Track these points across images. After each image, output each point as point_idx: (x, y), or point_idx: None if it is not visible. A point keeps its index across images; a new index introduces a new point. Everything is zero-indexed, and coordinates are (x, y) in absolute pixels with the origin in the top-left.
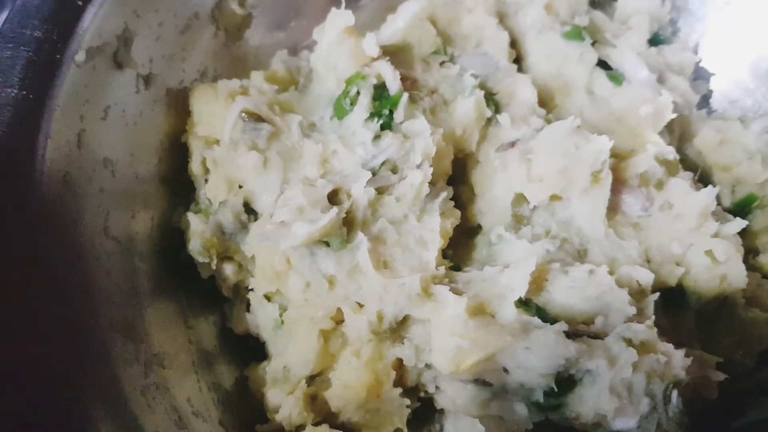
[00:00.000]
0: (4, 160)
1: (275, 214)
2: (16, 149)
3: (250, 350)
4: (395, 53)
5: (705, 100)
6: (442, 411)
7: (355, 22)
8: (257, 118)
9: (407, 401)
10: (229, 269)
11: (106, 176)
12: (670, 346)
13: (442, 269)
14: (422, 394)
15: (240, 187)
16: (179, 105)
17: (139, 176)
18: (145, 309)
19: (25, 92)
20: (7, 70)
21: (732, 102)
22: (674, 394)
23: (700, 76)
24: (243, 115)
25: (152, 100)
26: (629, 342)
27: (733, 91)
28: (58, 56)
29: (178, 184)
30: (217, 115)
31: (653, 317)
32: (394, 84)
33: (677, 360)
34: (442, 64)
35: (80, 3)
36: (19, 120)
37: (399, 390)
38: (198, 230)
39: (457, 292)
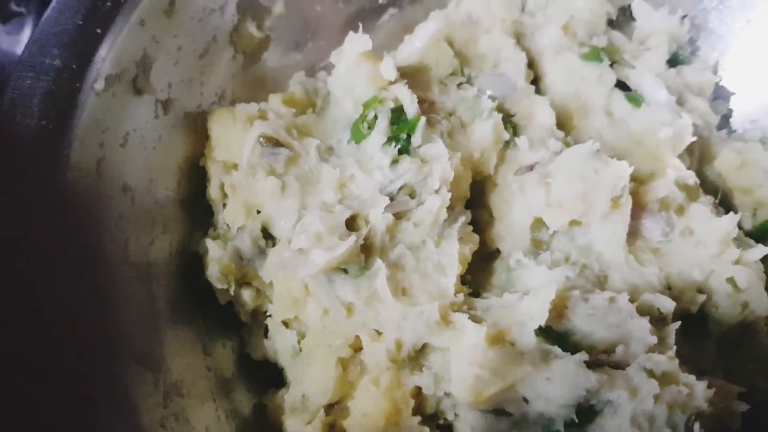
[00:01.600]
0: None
1: (293, 241)
2: (37, 180)
3: (269, 376)
4: (412, 74)
5: (725, 120)
6: None
7: (372, 42)
8: (275, 143)
9: (426, 429)
10: (247, 295)
11: (125, 202)
12: (692, 377)
13: (461, 296)
14: (441, 422)
15: (258, 212)
16: (197, 129)
17: (158, 201)
18: (163, 336)
19: (44, 122)
20: (26, 100)
21: (753, 122)
22: (696, 426)
23: (720, 95)
24: (261, 139)
25: (171, 125)
26: (651, 373)
27: (753, 111)
28: (78, 85)
29: (197, 209)
30: (235, 139)
31: (675, 347)
32: (411, 108)
33: (699, 391)
34: (459, 85)
35: (99, 31)
36: (39, 151)
37: (418, 418)
38: (216, 256)
39: (476, 319)
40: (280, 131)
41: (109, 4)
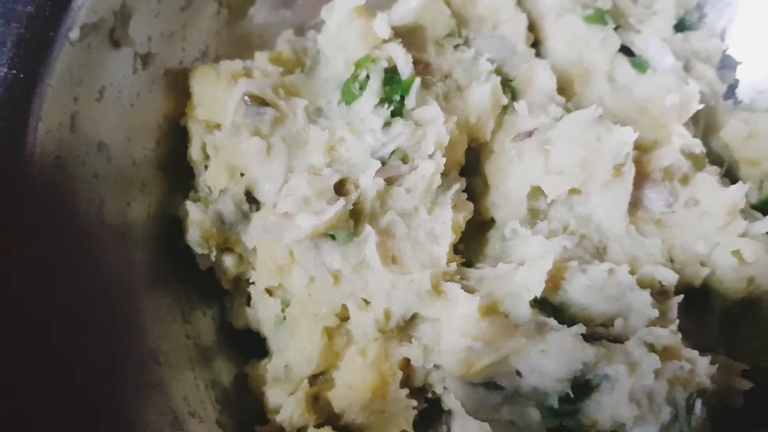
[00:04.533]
0: None
1: (278, 205)
2: (6, 131)
3: (251, 346)
4: (407, 35)
5: (731, 91)
6: (449, 412)
7: (365, 1)
8: (261, 102)
9: (414, 402)
10: (229, 261)
11: (100, 161)
12: (695, 352)
13: (454, 265)
14: (429, 395)
15: (242, 174)
16: (179, 86)
17: (135, 161)
18: (140, 302)
19: (15, 71)
20: None
21: (760, 93)
22: (698, 403)
23: (726, 65)
24: (246, 98)
25: (150, 81)
26: (651, 347)
27: (761, 81)
28: (51, 33)
29: (177, 170)
30: (218, 98)
31: (677, 321)
32: (406, 68)
33: (702, 367)
34: (456, 47)
35: None
36: (9, 101)
37: (405, 391)
38: (197, 220)
39: (469, 290)
40: (266, 90)
41: None
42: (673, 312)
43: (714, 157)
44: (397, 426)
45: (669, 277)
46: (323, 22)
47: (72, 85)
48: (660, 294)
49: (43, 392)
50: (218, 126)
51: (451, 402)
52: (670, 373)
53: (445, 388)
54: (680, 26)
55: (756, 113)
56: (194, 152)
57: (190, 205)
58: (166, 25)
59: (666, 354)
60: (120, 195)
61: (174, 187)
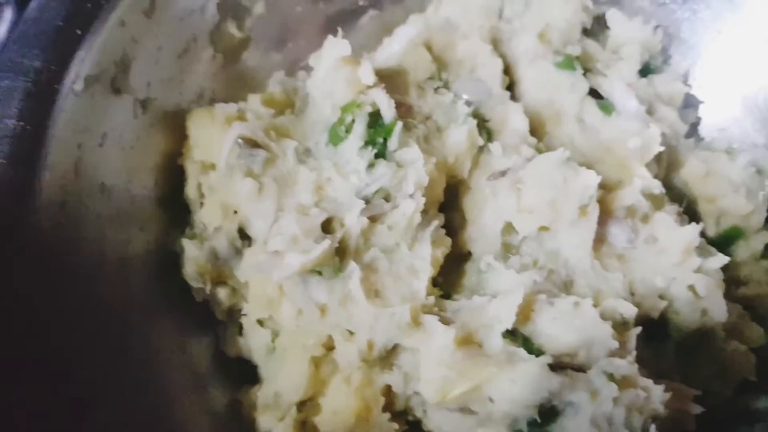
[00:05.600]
0: (3, 193)
1: (269, 243)
2: (16, 182)
3: (243, 373)
4: (390, 77)
5: (694, 128)
6: None
7: (351, 42)
8: (253, 144)
9: (396, 426)
10: (222, 293)
11: (102, 201)
12: (650, 381)
13: (432, 298)
14: (410, 418)
15: (235, 212)
16: (176, 128)
17: (135, 200)
18: (138, 332)
19: (23, 123)
20: (5, 101)
21: (720, 130)
22: (653, 427)
23: (690, 104)
24: (239, 140)
25: (149, 124)
26: (611, 377)
27: (721, 120)
28: (56, 86)
29: (174, 208)
30: (213, 139)
31: (635, 352)
32: (388, 112)
33: (656, 395)
34: (436, 89)
35: (79, 32)
36: (18, 152)
37: (387, 415)
38: (192, 255)
39: (445, 321)
40: (259, 133)
41: (89, 5)
42: (632, 343)
43: (676, 193)
44: None
45: (629, 310)
46: (311, 66)
47: (76, 132)
48: (620, 325)
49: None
50: (213, 166)
51: (430, 425)
52: (627, 400)
53: (424, 411)
54: (646, 70)
55: (714, 152)
56: (190, 191)
57: (186, 242)
58: (164, 71)
59: (624, 383)
60: (121, 232)
61: (171, 223)
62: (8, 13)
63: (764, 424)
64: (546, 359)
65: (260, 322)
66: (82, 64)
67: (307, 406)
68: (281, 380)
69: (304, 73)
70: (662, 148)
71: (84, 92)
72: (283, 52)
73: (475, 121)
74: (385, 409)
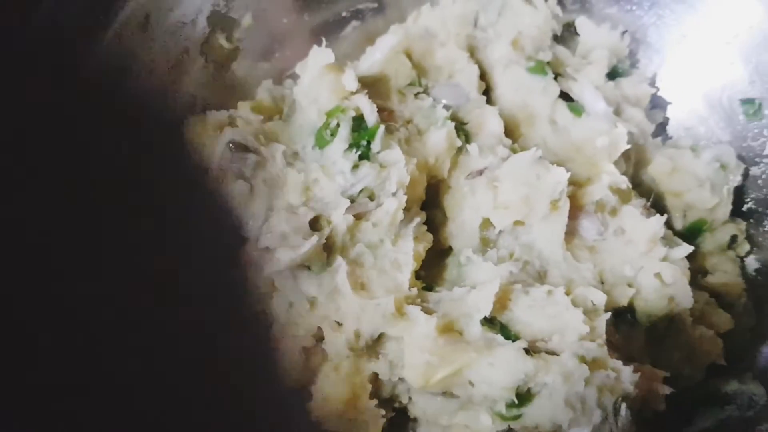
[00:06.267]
0: None
1: (260, 241)
2: None
3: None
4: (373, 84)
5: (662, 128)
6: (415, 419)
7: (336, 52)
8: (244, 148)
9: (383, 411)
10: None
11: None
12: (620, 362)
13: (415, 290)
14: (396, 405)
15: None
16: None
17: None
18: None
19: None
20: None
21: (687, 129)
22: (623, 406)
23: (657, 104)
24: (230, 145)
25: None
26: (582, 359)
27: (687, 119)
28: None
29: None
30: (206, 144)
31: (604, 336)
32: (371, 117)
33: (626, 375)
34: (416, 95)
35: None
36: None
37: (375, 401)
38: None
39: (427, 311)
40: (249, 138)
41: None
42: (602, 327)
43: (644, 189)
44: None
45: (599, 298)
46: (298, 74)
47: None
48: (591, 312)
49: None
50: (206, 170)
51: (415, 411)
52: (598, 381)
53: (410, 398)
54: (614, 73)
55: (680, 150)
56: None
57: None
58: (158, 81)
59: (594, 364)
60: None
61: None
62: None
63: (734, 406)
64: (522, 344)
65: None
66: None
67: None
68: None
69: (291, 81)
70: (629, 146)
71: None
72: (270, 61)
73: (453, 124)
74: (372, 396)
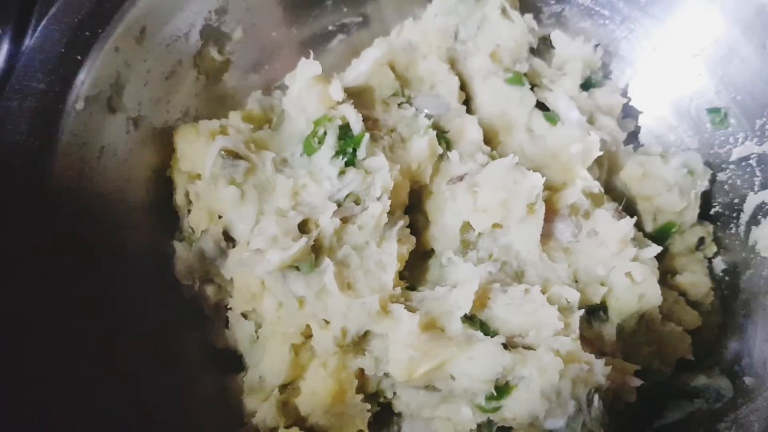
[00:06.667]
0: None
1: (251, 243)
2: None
3: (229, 362)
4: (358, 94)
5: (633, 136)
6: (399, 414)
7: (323, 64)
8: (235, 156)
9: (368, 406)
10: (210, 290)
11: (101, 208)
12: (592, 356)
13: (399, 289)
14: (382, 399)
15: (219, 217)
16: (165, 143)
17: (129, 207)
18: (132, 329)
19: (33, 138)
20: (15, 120)
21: (657, 137)
22: (596, 397)
23: (628, 114)
24: (222, 152)
25: (141, 139)
26: (557, 353)
27: (658, 127)
28: (60, 106)
29: (164, 214)
30: (198, 152)
31: (578, 332)
32: (357, 125)
33: (598, 368)
34: (400, 105)
35: (79, 57)
36: (29, 164)
37: (361, 396)
38: (182, 256)
39: (411, 309)
40: (240, 145)
41: (87, 33)
42: (576, 324)
43: (616, 193)
44: (354, 426)
45: (573, 295)
46: (287, 84)
47: (77, 146)
48: (566, 309)
49: None
50: (199, 176)
51: (399, 405)
52: (572, 373)
53: (394, 393)
54: (587, 84)
55: (650, 156)
56: (179, 199)
57: (176, 244)
58: (153, 91)
59: (568, 358)
60: (116, 237)
61: (162, 228)
62: (5, 45)
63: (702, 400)
64: (500, 339)
65: (244, 315)
66: (82, 86)
67: (288, 388)
68: (264, 366)
69: (280, 91)
70: (601, 153)
71: (84, 111)
72: (260, 73)
73: (434, 132)
74: (358, 391)
